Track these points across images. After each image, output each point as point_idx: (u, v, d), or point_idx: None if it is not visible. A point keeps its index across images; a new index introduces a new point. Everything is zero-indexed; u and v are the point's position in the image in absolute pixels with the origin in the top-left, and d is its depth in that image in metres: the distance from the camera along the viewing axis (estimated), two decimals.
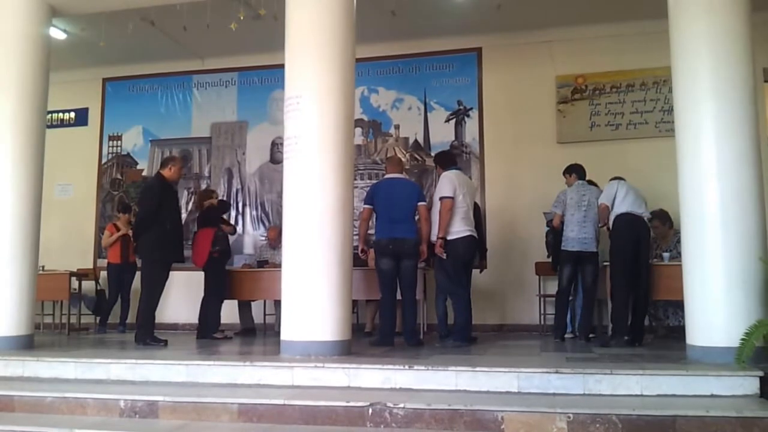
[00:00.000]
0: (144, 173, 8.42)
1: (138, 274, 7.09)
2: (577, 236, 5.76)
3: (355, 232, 5.38)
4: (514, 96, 7.48)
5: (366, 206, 5.59)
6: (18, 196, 5.36)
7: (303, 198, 4.67)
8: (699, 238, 4.24)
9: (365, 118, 7.89)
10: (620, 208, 5.43)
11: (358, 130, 7.65)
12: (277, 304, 6.17)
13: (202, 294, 6.51)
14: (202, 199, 6.65)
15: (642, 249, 5.36)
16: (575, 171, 5.99)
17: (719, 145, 4.22)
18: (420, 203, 5.55)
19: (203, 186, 8.20)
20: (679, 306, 5.33)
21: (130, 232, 6.79)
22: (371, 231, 5.97)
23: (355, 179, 6.16)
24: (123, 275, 7.35)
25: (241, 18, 6.30)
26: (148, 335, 5.54)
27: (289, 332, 4.58)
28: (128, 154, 8.58)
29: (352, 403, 3.56)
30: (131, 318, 7.02)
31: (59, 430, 3.55)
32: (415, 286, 5.56)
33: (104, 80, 8.65)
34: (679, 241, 4.92)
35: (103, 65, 8.29)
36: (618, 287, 5.39)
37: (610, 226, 5.51)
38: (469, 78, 7.65)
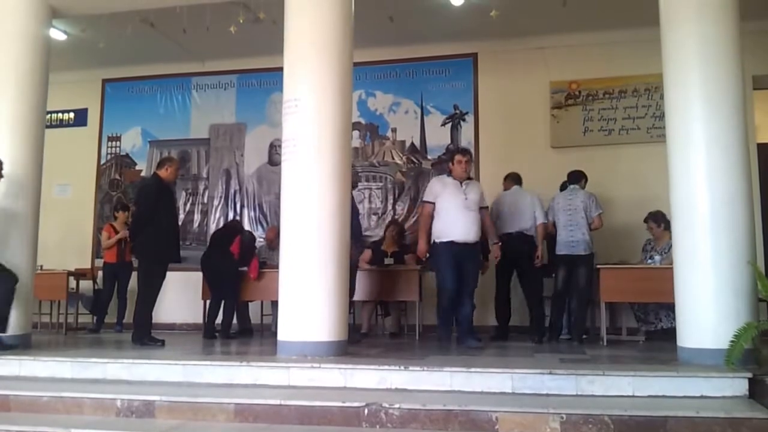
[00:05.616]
0: (142, 174, 8.43)
1: (134, 273, 7.16)
2: (565, 240, 5.89)
3: None
4: (508, 101, 7.53)
5: None
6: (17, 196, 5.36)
7: (300, 199, 4.70)
8: (689, 241, 4.28)
9: (362, 121, 7.93)
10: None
11: (356, 133, 7.68)
12: (274, 304, 6.19)
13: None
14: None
15: (520, 263, 6.10)
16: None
17: (709, 151, 4.27)
18: None
19: (201, 187, 8.28)
20: (671, 308, 5.38)
21: (127, 232, 6.83)
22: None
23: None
24: (119, 274, 7.37)
25: (241, 21, 6.33)
26: (145, 335, 5.56)
27: (285, 333, 4.61)
28: (127, 154, 8.60)
29: (347, 404, 3.57)
30: (128, 318, 7.04)
31: (56, 429, 3.54)
32: None
33: (104, 81, 8.66)
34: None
35: (103, 66, 8.31)
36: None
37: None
38: (464, 83, 7.71)
